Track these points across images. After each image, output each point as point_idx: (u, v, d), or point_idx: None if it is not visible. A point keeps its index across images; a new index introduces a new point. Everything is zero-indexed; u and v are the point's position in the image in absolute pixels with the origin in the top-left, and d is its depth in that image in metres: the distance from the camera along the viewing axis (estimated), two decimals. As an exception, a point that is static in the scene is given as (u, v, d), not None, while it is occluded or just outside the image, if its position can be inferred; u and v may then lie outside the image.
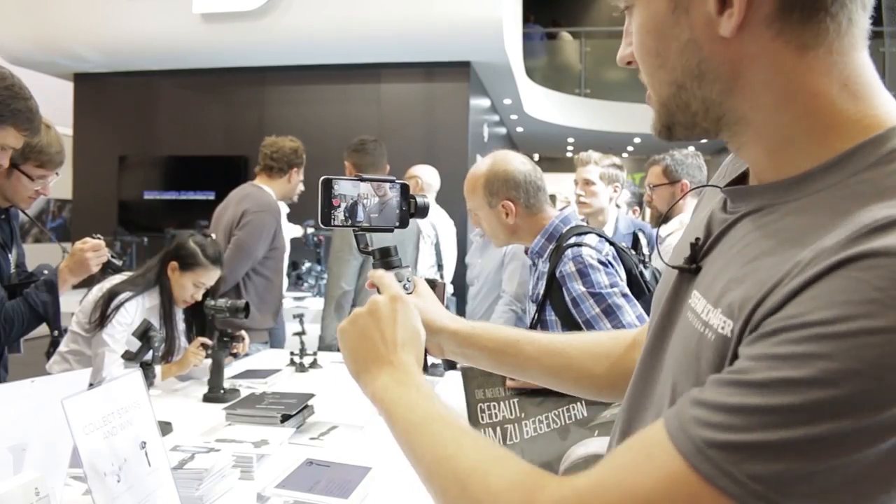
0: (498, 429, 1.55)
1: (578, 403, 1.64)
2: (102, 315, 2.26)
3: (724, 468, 0.45)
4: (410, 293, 0.90)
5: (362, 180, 0.92)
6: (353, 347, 0.79)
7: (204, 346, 2.32)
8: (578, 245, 1.78)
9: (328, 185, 0.91)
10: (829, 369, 0.43)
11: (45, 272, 2.01)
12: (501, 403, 1.69)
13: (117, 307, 2.27)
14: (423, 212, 0.96)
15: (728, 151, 0.66)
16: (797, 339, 0.45)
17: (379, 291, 0.84)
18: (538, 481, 0.55)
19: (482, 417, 1.59)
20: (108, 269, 2.14)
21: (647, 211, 4.51)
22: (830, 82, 0.54)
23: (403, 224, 0.95)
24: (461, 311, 4.01)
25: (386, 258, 0.92)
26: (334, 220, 0.91)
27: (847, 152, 0.52)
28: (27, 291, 1.92)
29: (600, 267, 1.75)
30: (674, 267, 0.67)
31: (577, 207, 3.16)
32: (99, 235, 2.08)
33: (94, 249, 2.03)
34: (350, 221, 0.92)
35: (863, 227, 0.45)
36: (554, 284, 1.79)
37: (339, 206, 0.91)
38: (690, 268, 0.64)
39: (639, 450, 0.51)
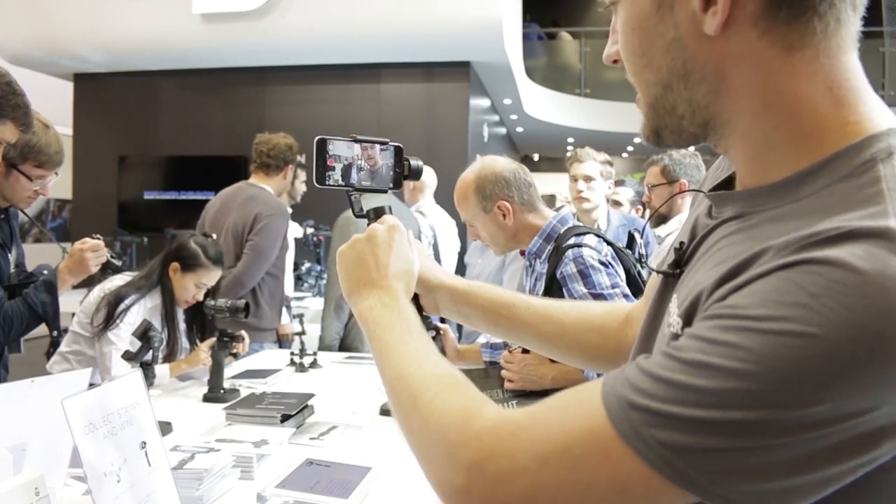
0: None
1: None
2: (109, 316, 2.26)
3: (639, 430, 0.47)
4: None
5: (356, 141, 0.93)
6: (348, 269, 0.83)
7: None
8: (579, 245, 1.77)
9: (323, 145, 0.91)
10: (749, 362, 0.44)
11: (45, 272, 2.01)
12: (501, 406, 1.69)
13: (124, 311, 2.27)
14: (416, 174, 0.96)
15: None
16: (728, 328, 0.46)
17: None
18: (480, 407, 0.58)
19: None
20: (107, 269, 2.14)
21: (647, 211, 4.52)
22: (815, 86, 0.53)
23: (397, 185, 0.96)
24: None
25: (381, 218, 0.93)
26: (329, 179, 0.91)
27: (823, 162, 0.52)
28: (26, 292, 1.91)
29: (601, 267, 1.75)
30: (657, 272, 0.68)
31: (576, 204, 3.16)
32: (98, 236, 2.08)
33: (94, 250, 2.03)
34: (345, 182, 0.92)
35: (813, 236, 0.46)
36: (554, 285, 1.78)
37: (333, 167, 0.91)
38: (673, 272, 0.64)
39: (575, 396, 0.54)
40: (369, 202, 0.94)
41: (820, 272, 0.44)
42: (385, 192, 0.95)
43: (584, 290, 1.73)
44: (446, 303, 0.94)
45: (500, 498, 0.53)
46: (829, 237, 0.45)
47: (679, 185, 2.83)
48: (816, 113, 0.53)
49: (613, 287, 1.73)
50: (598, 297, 1.71)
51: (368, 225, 0.91)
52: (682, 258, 0.64)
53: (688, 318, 0.55)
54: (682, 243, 0.65)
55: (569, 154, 3.23)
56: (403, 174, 0.95)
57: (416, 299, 0.88)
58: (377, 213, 0.92)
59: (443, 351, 2.02)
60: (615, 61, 0.63)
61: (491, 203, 1.86)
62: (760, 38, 0.53)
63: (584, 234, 1.83)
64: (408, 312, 0.76)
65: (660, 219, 2.87)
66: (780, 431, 0.44)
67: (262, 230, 3.04)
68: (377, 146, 0.94)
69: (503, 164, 1.90)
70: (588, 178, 3.05)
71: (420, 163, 0.97)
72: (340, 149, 0.92)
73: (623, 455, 0.48)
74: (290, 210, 3.71)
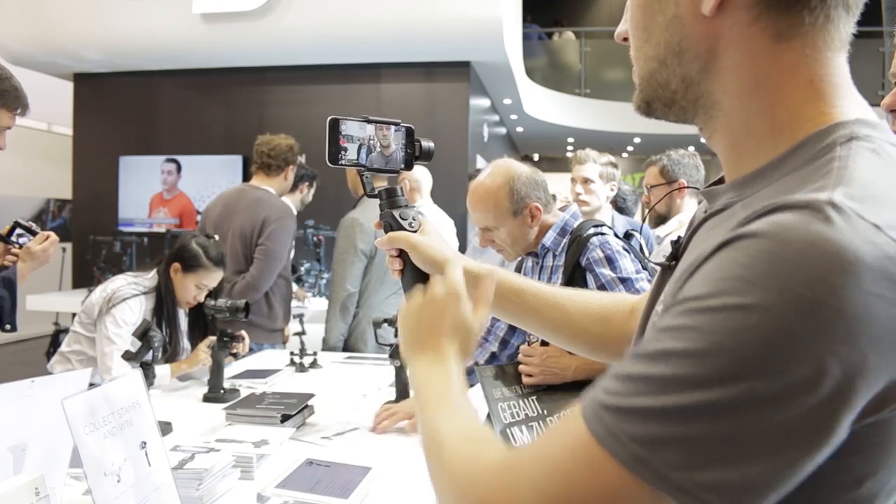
0: (524, 427, 1.55)
1: None
2: (108, 302, 2.28)
3: (612, 430, 0.47)
4: (416, 231, 0.92)
5: (369, 122, 0.93)
6: (409, 332, 0.86)
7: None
8: (602, 234, 1.81)
9: (335, 125, 0.91)
10: (696, 341, 0.45)
11: None
12: (521, 401, 1.67)
13: (119, 301, 2.27)
14: (427, 155, 0.97)
15: None
16: (678, 313, 0.48)
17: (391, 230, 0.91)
18: (488, 448, 0.60)
19: (505, 417, 1.58)
20: (20, 233, 2.03)
21: (646, 212, 4.50)
22: (797, 77, 0.55)
23: (409, 166, 0.97)
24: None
25: (392, 198, 0.93)
26: (342, 159, 0.91)
27: (793, 148, 0.54)
28: None
29: (626, 253, 1.79)
30: (654, 263, 0.71)
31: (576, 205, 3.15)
32: (22, 220, 2.00)
33: (40, 242, 1.99)
34: (357, 162, 0.92)
35: (751, 214, 0.48)
36: (576, 274, 1.79)
37: (346, 147, 0.92)
38: (669, 264, 0.68)
39: (562, 419, 0.54)
40: (381, 183, 0.94)
41: (748, 245, 0.45)
42: (397, 172, 0.96)
43: (612, 275, 1.75)
44: None
45: None
46: (759, 213, 0.47)
47: (678, 185, 2.82)
48: (794, 102, 0.55)
49: (637, 272, 1.77)
50: (624, 280, 1.74)
51: (380, 204, 0.93)
52: (677, 251, 0.68)
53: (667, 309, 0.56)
54: (679, 237, 0.68)
55: (569, 154, 3.24)
56: (415, 155, 0.96)
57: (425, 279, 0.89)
58: (388, 194, 0.93)
59: None
60: (625, 39, 0.65)
61: (522, 205, 1.84)
62: (752, 24, 0.55)
63: (599, 226, 1.87)
64: (452, 372, 0.78)
65: (659, 219, 2.87)
66: (739, 408, 0.43)
67: (272, 234, 3.06)
68: (390, 127, 0.94)
69: (524, 167, 1.89)
70: (586, 181, 3.05)
71: (431, 144, 0.98)
72: (353, 129, 0.92)
73: (604, 462, 0.47)
74: (295, 212, 3.73)
